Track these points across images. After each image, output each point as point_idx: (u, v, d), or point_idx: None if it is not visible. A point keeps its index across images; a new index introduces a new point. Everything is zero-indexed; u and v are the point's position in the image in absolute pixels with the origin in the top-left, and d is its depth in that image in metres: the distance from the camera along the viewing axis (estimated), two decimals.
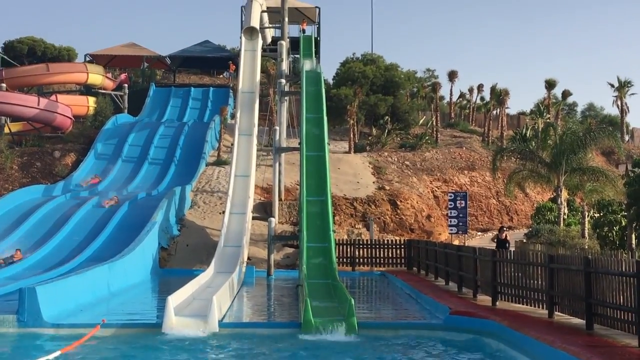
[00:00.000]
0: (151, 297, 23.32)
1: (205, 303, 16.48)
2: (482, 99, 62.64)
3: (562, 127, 38.22)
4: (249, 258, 28.58)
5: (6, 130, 44.34)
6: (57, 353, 12.85)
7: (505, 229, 25.03)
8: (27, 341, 14.55)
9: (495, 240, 24.55)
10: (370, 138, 49.29)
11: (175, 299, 16.14)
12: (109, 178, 37.90)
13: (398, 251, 31.12)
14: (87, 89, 52.53)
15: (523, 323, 13.92)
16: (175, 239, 31.23)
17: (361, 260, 30.88)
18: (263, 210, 33.63)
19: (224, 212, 29.80)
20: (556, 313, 14.65)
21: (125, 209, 30.93)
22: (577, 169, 32.93)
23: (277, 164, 33.22)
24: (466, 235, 37.49)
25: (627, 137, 64.13)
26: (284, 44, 36.78)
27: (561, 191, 33.42)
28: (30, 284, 16.87)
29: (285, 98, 36.87)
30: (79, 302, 17.84)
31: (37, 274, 22.31)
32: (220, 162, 40.59)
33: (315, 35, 49.55)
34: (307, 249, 24.10)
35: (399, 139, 50.32)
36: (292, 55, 49.03)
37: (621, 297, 11.98)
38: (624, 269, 11.96)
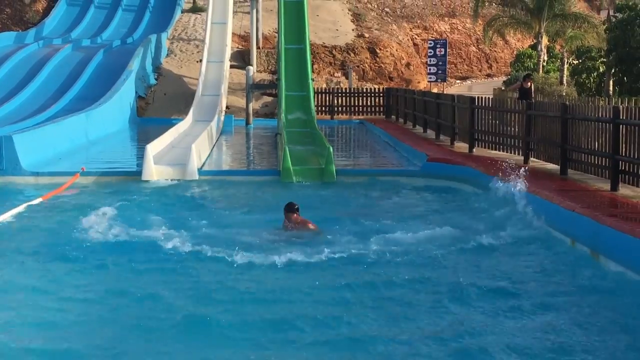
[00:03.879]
0: (130, 146, 23.35)
1: (184, 151, 16.54)
2: None
3: None
4: (227, 107, 28.44)
5: None
6: (39, 200, 12.98)
7: (531, 76, 20.95)
8: (7, 188, 14.63)
9: (518, 90, 19.99)
10: None
11: (154, 148, 16.16)
12: (82, 25, 36.97)
13: (377, 99, 31.06)
14: None
15: (498, 169, 14.13)
16: (153, 88, 30.90)
17: (340, 108, 30.85)
18: (241, 59, 33.16)
19: (201, 61, 29.37)
20: (531, 159, 14.85)
21: (100, 57, 30.32)
22: (559, 15, 32.51)
23: (254, 11, 32.44)
24: (445, 83, 37.42)
25: None
26: None
27: (542, 38, 33.12)
28: (6, 133, 16.76)
29: None
30: (57, 150, 17.83)
31: (12, 124, 22.07)
32: (196, 9, 39.53)
33: None
34: (286, 97, 23.96)
35: None
36: None
37: (596, 142, 12.13)
38: (600, 115, 12.04)
